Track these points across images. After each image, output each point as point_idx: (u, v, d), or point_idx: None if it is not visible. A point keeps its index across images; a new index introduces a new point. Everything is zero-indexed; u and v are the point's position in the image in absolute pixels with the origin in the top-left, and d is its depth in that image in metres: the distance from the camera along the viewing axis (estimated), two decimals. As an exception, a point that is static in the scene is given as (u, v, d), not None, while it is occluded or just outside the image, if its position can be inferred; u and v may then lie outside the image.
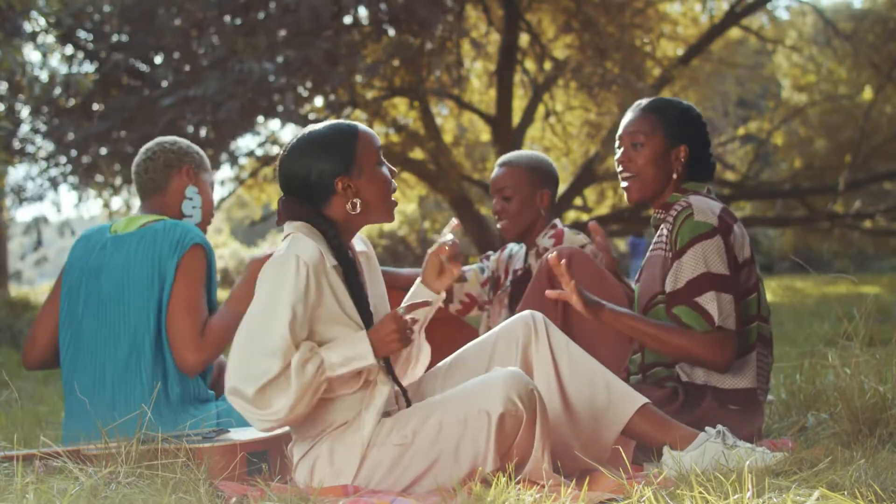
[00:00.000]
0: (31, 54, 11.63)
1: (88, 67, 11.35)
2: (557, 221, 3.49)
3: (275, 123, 13.42)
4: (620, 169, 2.79)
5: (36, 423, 3.65)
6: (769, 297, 2.72)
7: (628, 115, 2.80)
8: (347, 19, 11.07)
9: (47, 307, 2.89)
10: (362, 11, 11.08)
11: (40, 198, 11.57)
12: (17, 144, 11.29)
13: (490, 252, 3.70)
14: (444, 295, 2.48)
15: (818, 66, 16.31)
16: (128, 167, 11.38)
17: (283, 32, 10.34)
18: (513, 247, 3.63)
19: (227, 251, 25.57)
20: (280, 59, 9.79)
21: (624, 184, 2.79)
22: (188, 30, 10.47)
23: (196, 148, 2.99)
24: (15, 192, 11.46)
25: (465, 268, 3.60)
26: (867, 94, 15.57)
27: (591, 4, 11.82)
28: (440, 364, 2.57)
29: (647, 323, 2.60)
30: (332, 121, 2.36)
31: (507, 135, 12.80)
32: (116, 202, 13.02)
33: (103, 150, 11.06)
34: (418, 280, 2.48)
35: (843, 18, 16.59)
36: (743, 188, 14.73)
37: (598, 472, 2.28)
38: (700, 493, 1.87)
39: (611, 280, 3.00)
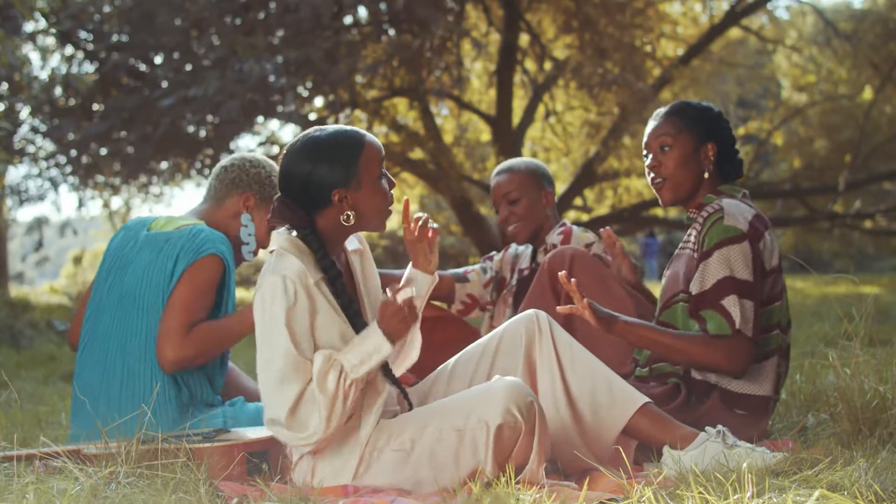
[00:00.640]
0: (31, 54, 11.61)
1: (88, 67, 11.35)
2: (566, 221, 3.52)
3: (275, 123, 13.40)
4: (652, 175, 2.80)
5: (36, 423, 3.65)
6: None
7: (651, 124, 2.83)
8: (347, 19, 11.07)
9: (89, 290, 2.89)
10: (362, 11, 11.08)
11: (41, 198, 11.57)
12: (17, 144, 11.29)
13: (493, 252, 3.70)
14: (436, 277, 2.47)
15: (818, 66, 16.31)
16: (128, 167, 11.40)
17: (283, 32, 10.34)
18: (516, 247, 3.63)
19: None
20: (280, 59, 9.79)
21: (655, 187, 2.80)
22: (188, 30, 10.47)
23: (274, 182, 2.89)
24: (15, 192, 11.45)
25: (467, 268, 3.61)
26: (867, 94, 15.56)
27: (591, 4, 11.81)
28: (444, 364, 2.57)
29: (660, 333, 2.61)
30: (339, 127, 2.34)
31: (507, 135, 12.79)
32: (116, 202, 13.03)
33: (103, 151, 11.06)
34: (410, 266, 2.47)
35: (843, 18, 16.58)
36: (743, 188, 14.69)
37: (598, 471, 2.28)
38: (700, 493, 1.87)
39: (613, 281, 3.01)
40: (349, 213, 2.28)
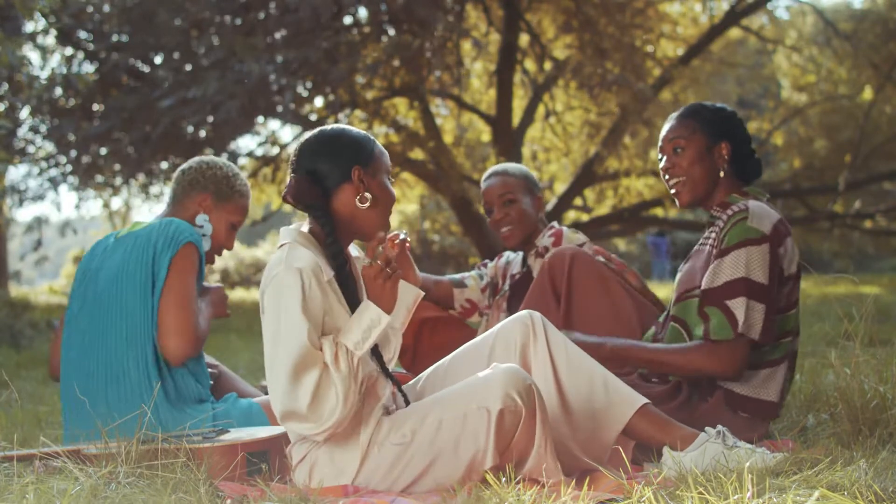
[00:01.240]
0: (31, 54, 11.62)
1: (88, 67, 11.34)
2: (555, 223, 3.53)
3: (275, 123, 13.40)
4: (667, 177, 2.81)
5: (36, 423, 3.65)
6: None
7: (665, 126, 2.84)
8: (347, 19, 11.07)
9: (64, 316, 2.91)
10: (362, 11, 11.08)
11: (41, 198, 11.57)
12: (17, 144, 11.28)
13: (487, 260, 3.74)
14: (421, 293, 2.48)
15: (818, 66, 16.30)
16: (127, 167, 11.39)
17: (282, 32, 10.33)
18: (508, 254, 3.67)
19: (226, 251, 25.57)
20: (280, 59, 9.78)
21: (673, 190, 2.81)
22: (188, 30, 10.46)
23: (233, 183, 2.95)
24: (15, 191, 11.45)
25: (464, 274, 3.65)
26: (867, 94, 15.56)
27: (591, 4, 11.81)
28: (439, 363, 2.57)
29: (650, 351, 2.63)
30: (350, 128, 2.41)
31: (507, 135, 12.79)
32: (116, 202, 13.03)
33: (103, 151, 11.06)
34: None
35: (843, 18, 16.58)
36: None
37: (598, 472, 2.28)
38: (700, 493, 1.87)
39: (613, 281, 3.01)
40: (366, 194, 2.32)
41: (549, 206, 13.87)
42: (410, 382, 2.58)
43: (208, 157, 2.99)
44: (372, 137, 2.40)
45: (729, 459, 2.20)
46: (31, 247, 12.08)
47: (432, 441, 2.21)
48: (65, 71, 11.06)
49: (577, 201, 15.38)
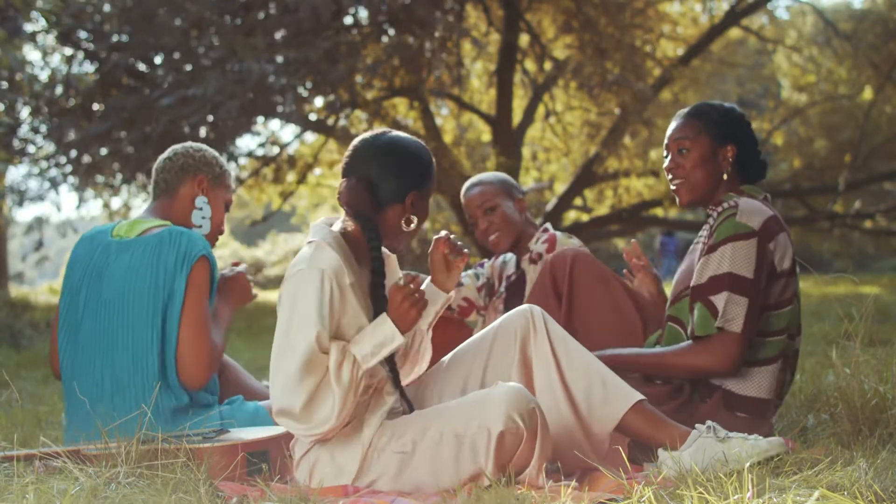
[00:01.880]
0: (31, 54, 11.62)
1: (88, 67, 11.34)
2: (549, 226, 3.54)
3: (275, 123, 13.41)
4: (670, 176, 2.80)
5: (36, 423, 3.65)
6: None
7: (672, 124, 2.83)
8: (347, 19, 11.06)
9: (57, 314, 2.85)
10: (362, 11, 11.07)
11: (41, 198, 11.56)
12: (17, 144, 11.28)
13: (485, 260, 3.74)
14: (453, 294, 2.50)
15: (818, 66, 16.30)
16: (128, 167, 11.39)
17: (282, 32, 10.33)
18: (505, 255, 3.67)
19: (226, 251, 25.55)
20: (280, 59, 9.78)
21: (673, 188, 2.81)
22: (188, 30, 10.46)
23: (221, 162, 2.94)
24: (15, 191, 11.44)
25: (461, 273, 3.63)
26: (867, 94, 15.56)
27: (591, 4, 11.81)
28: (440, 361, 2.57)
29: (644, 356, 2.64)
30: (417, 140, 2.40)
31: (507, 135, 12.79)
32: (116, 202, 13.02)
33: (103, 151, 11.05)
34: (428, 280, 2.49)
35: (843, 18, 16.58)
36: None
37: (597, 471, 2.28)
38: (700, 493, 1.87)
39: (614, 282, 3.01)
40: (413, 217, 2.34)
41: (549, 206, 13.87)
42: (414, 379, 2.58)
43: (187, 143, 2.94)
44: (433, 160, 2.39)
45: (728, 455, 2.20)
46: (32, 247, 12.07)
47: (432, 455, 2.21)
48: (65, 71, 11.06)
49: (577, 201, 15.38)
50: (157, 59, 10.92)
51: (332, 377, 2.17)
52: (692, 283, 2.64)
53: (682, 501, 1.88)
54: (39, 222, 12.15)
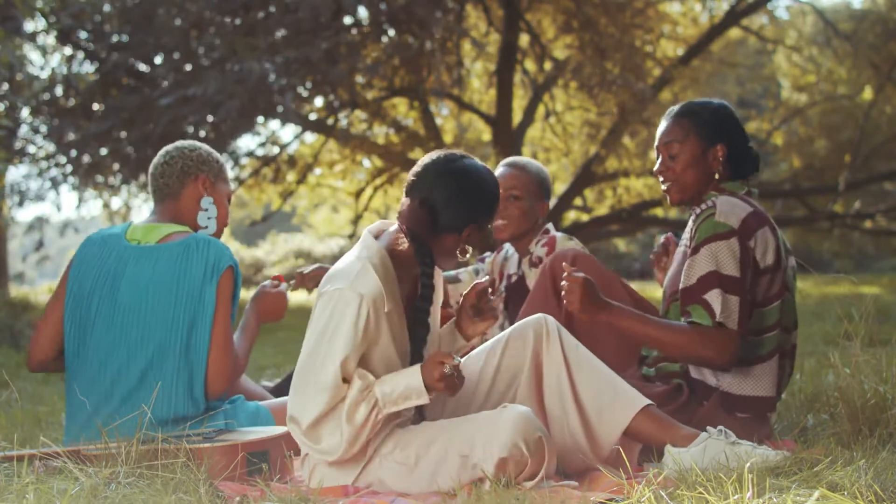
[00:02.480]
0: (31, 54, 11.60)
1: (88, 67, 11.34)
2: (550, 227, 3.49)
3: (275, 123, 13.40)
4: (661, 178, 2.80)
5: (36, 423, 3.64)
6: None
7: (662, 124, 2.81)
8: (347, 19, 11.07)
9: (51, 309, 2.78)
10: (362, 11, 11.08)
11: (41, 198, 11.56)
12: (17, 144, 11.28)
13: (487, 254, 3.69)
14: (471, 343, 2.50)
15: (818, 66, 16.30)
16: (128, 167, 11.39)
17: (282, 32, 10.33)
18: (508, 248, 3.62)
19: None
20: (280, 59, 9.78)
21: (664, 188, 2.81)
22: (188, 30, 10.46)
23: (216, 156, 2.90)
24: (16, 191, 11.45)
25: (459, 270, 3.61)
26: (867, 94, 15.56)
27: (591, 4, 11.81)
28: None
29: (648, 324, 2.59)
30: (488, 170, 2.37)
31: (507, 135, 12.80)
32: (116, 202, 13.03)
33: (103, 151, 11.05)
34: (453, 322, 2.50)
35: (843, 18, 16.58)
36: (748, 185, 14.69)
37: (598, 471, 2.28)
38: (700, 493, 1.87)
39: (614, 282, 3.01)
40: (467, 247, 2.35)
41: (550, 206, 13.87)
42: None
43: (179, 143, 2.88)
44: (498, 193, 2.37)
45: (730, 457, 2.20)
46: (33, 247, 12.07)
47: (434, 471, 2.21)
48: (65, 71, 11.06)
49: (577, 201, 15.38)
50: (158, 59, 10.92)
51: (344, 414, 2.17)
52: (682, 286, 2.64)
53: (681, 502, 1.88)
54: (40, 222, 12.15)
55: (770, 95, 19.00)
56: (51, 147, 11.53)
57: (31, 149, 11.62)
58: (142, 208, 13.64)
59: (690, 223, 2.73)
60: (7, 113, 10.58)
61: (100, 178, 12.09)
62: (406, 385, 2.20)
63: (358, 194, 15.49)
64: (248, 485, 2.27)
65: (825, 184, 14.99)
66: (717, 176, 2.75)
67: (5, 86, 10.22)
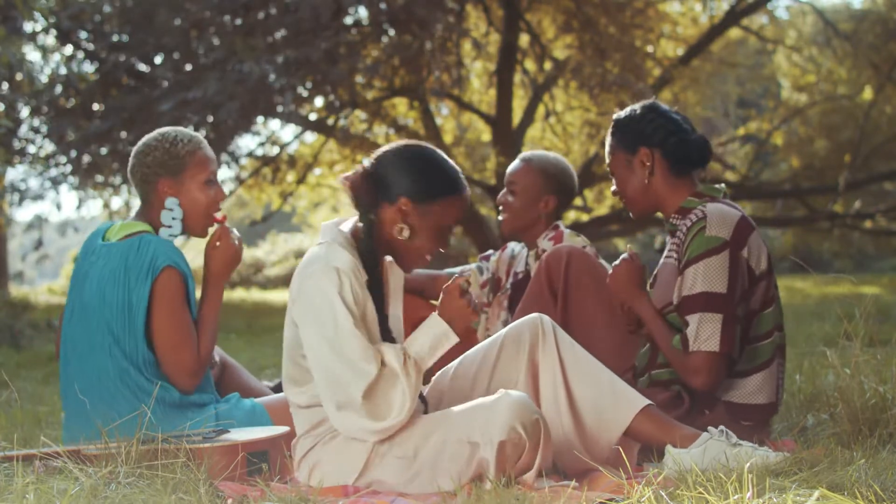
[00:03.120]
0: (32, 54, 11.60)
1: (88, 67, 11.34)
2: (559, 223, 3.49)
3: (275, 123, 13.40)
4: (618, 197, 2.81)
5: (36, 423, 3.65)
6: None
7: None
8: (347, 19, 11.06)
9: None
10: (362, 11, 11.07)
11: (40, 197, 11.56)
12: (17, 144, 11.28)
13: (490, 252, 3.68)
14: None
15: (818, 66, 16.29)
16: (128, 167, 11.38)
17: (282, 32, 10.33)
18: (514, 247, 3.61)
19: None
20: (280, 59, 9.78)
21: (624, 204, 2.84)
22: (188, 30, 10.46)
23: (176, 150, 2.79)
24: (15, 190, 11.44)
25: (464, 268, 3.59)
26: (867, 94, 15.55)
27: (591, 4, 11.81)
28: (447, 367, 2.57)
29: (660, 333, 2.63)
30: (440, 159, 2.34)
31: (507, 135, 12.79)
32: (116, 202, 13.02)
33: (103, 150, 11.05)
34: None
35: (843, 18, 16.57)
36: (743, 188, 14.72)
37: (598, 472, 2.28)
38: (700, 493, 1.87)
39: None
40: (403, 226, 2.30)
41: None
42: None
43: (142, 142, 2.83)
44: (457, 182, 2.33)
45: (730, 458, 2.20)
46: (32, 246, 12.07)
47: (435, 462, 2.21)
48: (65, 71, 11.06)
49: (578, 201, 15.37)
50: (158, 60, 10.92)
51: (399, 373, 2.18)
52: (674, 301, 2.62)
53: (681, 502, 1.88)
54: (39, 221, 12.15)
55: (770, 95, 18.98)
56: (51, 147, 11.52)
57: (31, 149, 11.61)
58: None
59: (681, 235, 2.68)
60: (7, 113, 10.57)
61: (100, 178, 12.09)
62: (432, 335, 2.24)
63: (358, 194, 15.43)
64: (248, 485, 2.27)
65: (825, 184, 14.97)
66: (646, 181, 2.68)
67: (5, 85, 10.21)
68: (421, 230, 2.31)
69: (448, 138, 14.08)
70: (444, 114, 14.74)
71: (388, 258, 2.43)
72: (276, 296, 18.39)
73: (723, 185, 2.78)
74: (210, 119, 10.08)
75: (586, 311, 2.94)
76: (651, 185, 2.70)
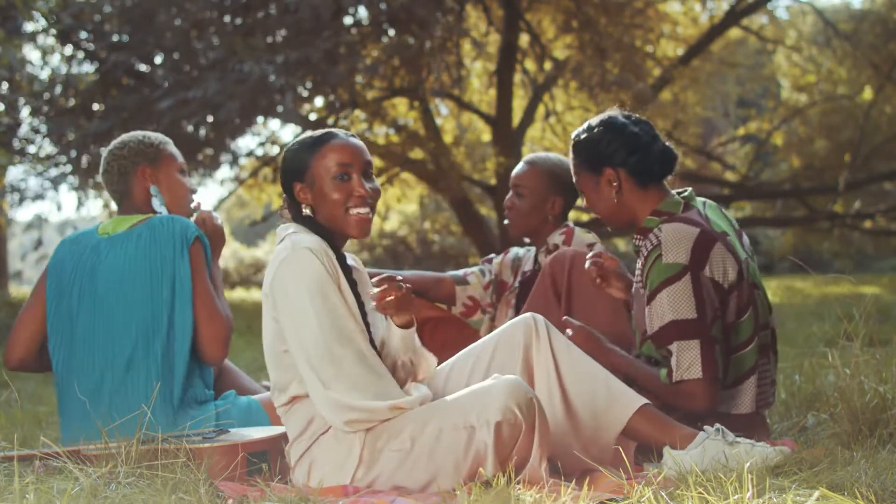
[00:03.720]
0: (32, 54, 11.61)
1: (88, 67, 11.34)
2: (569, 222, 3.50)
3: (275, 123, 13.41)
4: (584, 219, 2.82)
5: (36, 423, 3.65)
6: (770, 297, 2.69)
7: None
8: (347, 19, 11.06)
9: (30, 308, 2.84)
10: (362, 11, 11.07)
11: (40, 197, 11.56)
12: (17, 144, 11.28)
13: (492, 255, 3.69)
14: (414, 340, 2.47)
15: (818, 66, 16.29)
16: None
17: (282, 32, 10.33)
18: (518, 251, 3.63)
19: (226, 251, 25.55)
20: (280, 59, 9.78)
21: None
22: (188, 30, 10.46)
23: (150, 140, 2.92)
24: (15, 190, 11.44)
25: (467, 270, 3.61)
26: (867, 94, 15.55)
27: (591, 4, 11.81)
28: (442, 365, 2.57)
29: (636, 372, 2.61)
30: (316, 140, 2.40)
31: (507, 135, 12.78)
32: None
33: (103, 151, 11.05)
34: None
35: (843, 18, 16.57)
36: (743, 188, 14.73)
37: (598, 472, 2.28)
38: (700, 493, 1.87)
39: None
40: (304, 202, 2.38)
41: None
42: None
43: (112, 144, 2.96)
44: (323, 136, 2.38)
45: (730, 457, 2.20)
46: (32, 246, 12.07)
47: (432, 451, 2.20)
48: (65, 71, 11.06)
49: (578, 201, 15.36)
50: (158, 60, 10.92)
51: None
52: (649, 333, 2.61)
53: (681, 502, 1.88)
54: (39, 221, 12.15)
55: (770, 95, 18.98)
56: (51, 147, 11.52)
57: (32, 148, 11.61)
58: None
59: (639, 261, 2.66)
60: (7, 113, 10.57)
61: (99, 178, 12.09)
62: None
63: (358, 194, 15.43)
64: (248, 485, 2.27)
65: (825, 184, 14.97)
66: (615, 200, 2.69)
67: (4, 85, 10.21)
68: (316, 196, 2.36)
69: (448, 138, 14.08)
70: (444, 114, 14.74)
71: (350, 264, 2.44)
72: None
73: (687, 190, 2.71)
74: (210, 119, 10.08)
75: (589, 314, 2.95)
76: (621, 202, 2.70)
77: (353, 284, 2.32)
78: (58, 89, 10.74)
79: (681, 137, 13.85)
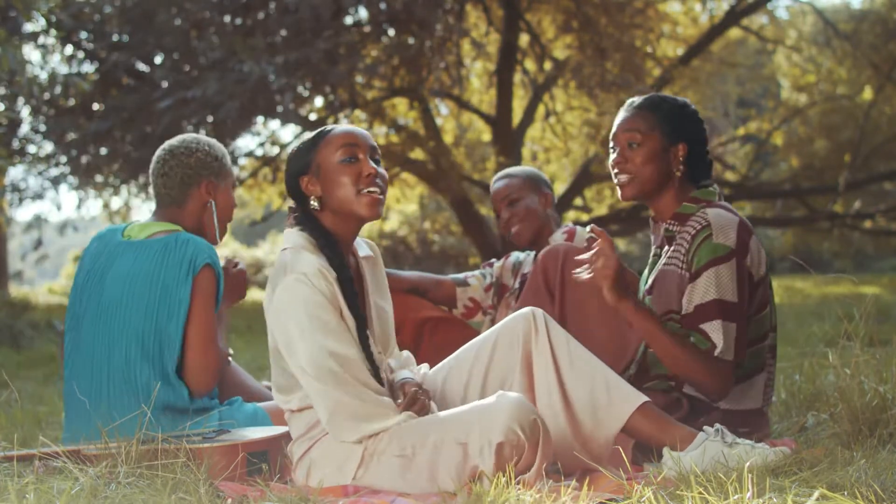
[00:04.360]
0: (32, 54, 11.59)
1: (88, 67, 11.34)
2: (570, 223, 3.56)
3: (275, 123, 13.40)
4: (616, 170, 2.70)
5: (36, 423, 3.65)
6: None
7: (622, 114, 2.70)
8: (347, 19, 11.06)
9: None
10: (362, 11, 11.07)
11: (40, 196, 11.56)
12: (16, 144, 11.28)
13: (493, 260, 3.74)
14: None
15: (818, 66, 16.29)
16: (127, 167, 11.39)
17: (282, 32, 10.33)
18: (518, 255, 3.66)
19: (226, 251, 25.57)
20: (280, 60, 9.78)
21: (617, 181, 2.72)
22: (188, 30, 10.46)
23: (215, 151, 2.86)
24: (15, 190, 11.44)
25: (468, 273, 3.64)
26: (867, 94, 15.54)
27: (590, 4, 11.81)
28: (443, 362, 2.57)
29: (664, 332, 2.50)
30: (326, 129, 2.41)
31: (507, 135, 12.79)
32: (116, 202, 13.02)
33: (103, 150, 11.05)
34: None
35: (843, 18, 16.57)
36: (743, 188, 14.72)
37: (598, 472, 2.27)
38: (700, 493, 1.87)
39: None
40: (311, 195, 2.36)
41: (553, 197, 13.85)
42: None
43: (173, 144, 2.85)
44: (320, 134, 2.39)
45: (729, 458, 2.19)
46: (32, 246, 12.06)
47: (432, 462, 2.20)
48: (65, 71, 11.05)
49: (577, 201, 15.37)
50: (158, 60, 10.92)
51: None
52: (683, 312, 2.57)
53: (682, 502, 1.88)
54: (38, 220, 12.15)
55: (770, 95, 18.98)
56: (50, 147, 11.52)
57: (32, 148, 11.61)
58: (141, 208, 13.64)
59: (685, 243, 2.62)
60: (7, 111, 10.57)
61: (99, 178, 12.09)
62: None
63: (358, 194, 15.43)
64: (248, 485, 2.27)
65: (825, 184, 14.97)
66: (678, 173, 2.64)
67: (5, 86, 10.20)
68: (325, 184, 2.34)
69: (448, 138, 14.08)
70: (444, 114, 14.74)
71: (363, 253, 2.44)
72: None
73: (715, 186, 2.72)
74: (210, 119, 10.08)
75: (582, 308, 2.94)
76: (671, 178, 2.66)
77: (354, 297, 2.31)
78: (58, 89, 10.74)
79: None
